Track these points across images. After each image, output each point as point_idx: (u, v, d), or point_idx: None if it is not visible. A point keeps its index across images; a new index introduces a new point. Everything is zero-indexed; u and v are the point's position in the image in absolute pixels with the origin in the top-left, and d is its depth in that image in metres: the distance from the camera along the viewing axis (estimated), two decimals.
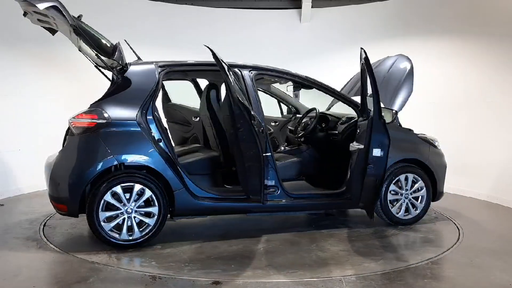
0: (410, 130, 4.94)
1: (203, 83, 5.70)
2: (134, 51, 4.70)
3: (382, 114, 4.20)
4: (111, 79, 4.62)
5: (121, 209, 3.86)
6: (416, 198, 4.83)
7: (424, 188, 4.81)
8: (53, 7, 3.41)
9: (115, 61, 3.93)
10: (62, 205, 3.89)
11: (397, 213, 4.74)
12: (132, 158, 3.89)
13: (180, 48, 7.68)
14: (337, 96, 4.86)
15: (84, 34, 3.70)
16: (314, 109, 5.28)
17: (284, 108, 6.25)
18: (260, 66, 4.55)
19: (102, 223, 3.81)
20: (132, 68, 4.12)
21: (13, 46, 6.33)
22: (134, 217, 3.90)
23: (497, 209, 5.78)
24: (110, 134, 3.86)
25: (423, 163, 4.82)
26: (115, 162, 3.82)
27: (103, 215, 3.81)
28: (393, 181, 4.68)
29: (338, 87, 5.24)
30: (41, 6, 3.37)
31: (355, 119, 4.74)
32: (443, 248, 4.09)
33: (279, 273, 3.45)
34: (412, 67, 4.69)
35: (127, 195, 3.87)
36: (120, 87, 4.05)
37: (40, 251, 3.88)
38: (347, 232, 4.58)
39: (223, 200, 4.21)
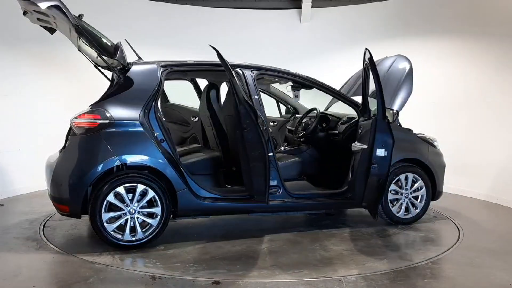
0: (409, 130, 4.95)
1: (202, 83, 5.71)
2: (134, 51, 4.70)
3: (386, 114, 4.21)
4: (111, 79, 4.62)
5: (124, 210, 3.85)
6: (416, 198, 4.85)
7: (424, 188, 4.84)
8: (55, 6, 3.41)
9: (116, 61, 3.91)
10: (64, 206, 3.87)
11: (397, 213, 4.76)
12: (135, 159, 3.87)
13: (180, 48, 7.68)
14: (338, 96, 4.86)
15: (86, 34, 3.69)
16: (314, 109, 5.28)
17: (282, 108, 6.26)
18: (261, 66, 4.55)
19: (105, 224, 3.79)
20: (134, 68, 4.11)
21: (13, 46, 6.32)
22: (137, 217, 3.89)
23: (497, 209, 5.78)
24: (112, 134, 3.84)
25: (423, 162, 4.84)
26: (118, 163, 3.80)
27: (106, 216, 3.79)
28: (394, 181, 4.70)
29: (337, 87, 5.24)
30: (43, 5, 3.37)
31: (356, 119, 4.75)
32: (444, 248, 4.09)
33: (285, 272, 3.45)
34: (411, 68, 4.70)
35: (130, 196, 3.86)
36: (122, 87, 4.03)
37: (40, 251, 3.88)
38: (348, 232, 4.59)
39: (226, 200, 4.21)
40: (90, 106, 4.09)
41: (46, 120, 6.47)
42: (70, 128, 4.47)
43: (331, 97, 5.28)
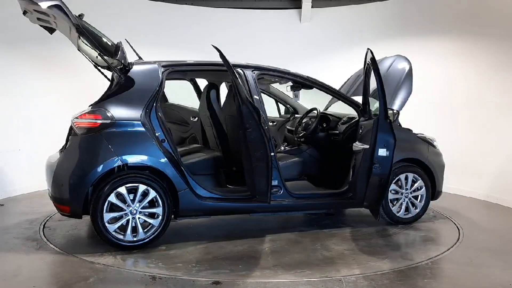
0: (409, 129, 4.96)
1: (201, 83, 5.71)
2: (135, 51, 4.69)
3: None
4: (110, 78, 4.62)
5: (125, 210, 3.84)
6: (416, 197, 4.87)
7: (424, 187, 4.85)
8: (56, 6, 3.40)
9: (117, 61, 3.90)
10: (65, 206, 3.86)
11: (398, 212, 4.77)
12: (137, 159, 3.86)
13: (180, 48, 7.68)
14: (338, 96, 4.86)
15: (87, 33, 3.68)
16: (315, 109, 5.29)
17: (281, 108, 6.26)
18: (262, 66, 4.54)
19: (107, 224, 3.78)
20: (135, 68, 4.09)
21: (13, 45, 6.32)
22: (139, 218, 3.88)
23: (497, 209, 5.78)
24: (114, 134, 3.83)
25: (422, 162, 4.85)
26: (120, 163, 3.79)
27: (107, 216, 3.78)
28: (394, 181, 4.70)
29: (337, 87, 5.24)
30: (44, 5, 3.37)
31: (356, 119, 4.75)
32: (444, 248, 4.09)
33: (288, 272, 3.45)
34: (411, 68, 4.71)
35: (131, 196, 3.85)
36: (123, 87, 4.01)
37: (40, 251, 3.88)
38: (349, 232, 4.60)
39: (227, 200, 4.21)
40: (90, 106, 4.09)
41: (46, 120, 6.48)
42: (71, 128, 4.47)
43: (330, 97, 5.28)
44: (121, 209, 3.83)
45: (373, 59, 4.17)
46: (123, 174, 3.83)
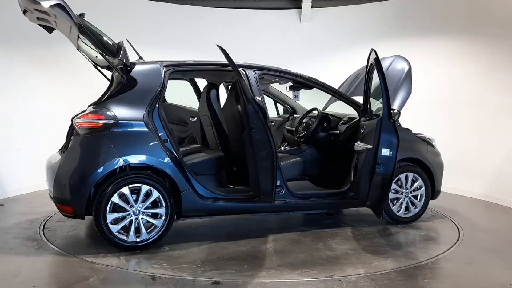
0: (408, 129, 4.96)
1: (200, 83, 5.71)
2: (135, 51, 4.68)
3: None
4: (110, 78, 4.61)
5: (128, 211, 3.82)
6: (416, 197, 4.89)
7: (423, 187, 4.88)
8: (58, 5, 3.39)
9: (120, 61, 3.88)
10: (67, 207, 3.83)
11: (398, 212, 4.80)
12: (140, 159, 3.84)
13: (180, 48, 7.69)
14: (339, 96, 4.86)
15: (89, 33, 3.66)
16: (315, 109, 5.29)
17: (280, 108, 6.26)
18: (263, 66, 4.54)
19: (110, 225, 3.76)
20: (137, 68, 4.07)
21: (13, 45, 6.33)
22: (142, 218, 3.86)
23: (497, 209, 5.78)
24: (117, 134, 3.81)
25: (422, 162, 4.87)
26: (123, 163, 3.77)
27: (110, 217, 3.76)
28: (394, 180, 4.70)
29: (336, 87, 5.24)
30: (46, 4, 3.35)
31: (357, 119, 4.76)
32: (444, 248, 4.09)
33: (293, 272, 3.45)
34: (410, 68, 4.72)
35: (134, 197, 3.84)
36: (126, 87, 3.99)
37: (40, 251, 3.88)
38: (350, 231, 4.60)
39: (230, 200, 4.21)
40: (89, 105, 4.08)
41: (46, 120, 6.48)
42: (71, 128, 4.46)
43: (329, 97, 5.29)
44: (124, 210, 3.81)
45: (377, 59, 4.17)
46: (126, 174, 3.81)
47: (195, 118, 5.57)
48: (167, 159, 3.91)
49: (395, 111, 4.54)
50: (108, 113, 3.83)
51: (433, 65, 7.05)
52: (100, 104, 3.91)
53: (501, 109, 6.16)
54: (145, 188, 3.84)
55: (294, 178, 4.77)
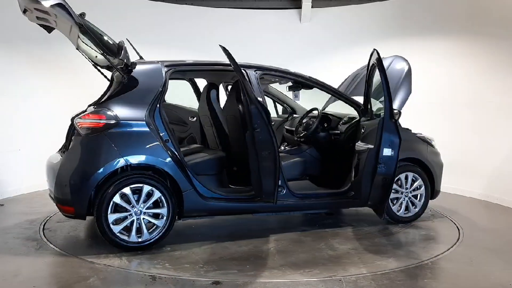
0: (408, 129, 4.96)
1: (199, 83, 5.71)
2: (136, 51, 4.67)
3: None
4: (110, 78, 4.61)
5: (130, 211, 3.81)
6: (416, 196, 4.90)
7: (423, 187, 4.89)
8: (59, 4, 3.38)
9: (121, 60, 3.87)
10: (69, 207, 3.81)
11: (398, 211, 4.81)
12: (142, 159, 3.83)
13: (180, 47, 7.69)
14: (340, 96, 4.86)
15: (90, 32, 3.65)
16: (315, 109, 5.29)
17: (279, 108, 6.26)
18: (264, 66, 4.53)
19: (111, 225, 3.75)
20: (138, 68, 4.06)
21: (12, 45, 6.33)
22: (143, 218, 3.85)
23: (497, 209, 5.78)
24: (118, 134, 3.80)
25: (422, 162, 4.88)
26: (125, 163, 3.76)
27: (112, 217, 3.75)
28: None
29: (335, 87, 5.24)
30: (47, 4, 3.35)
31: (357, 119, 4.76)
32: (444, 248, 4.09)
33: (296, 272, 3.45)
34: (409, 68, 4.72)
35: (135, 197, 3.83)
36: (127, 87, 3.98)
37: (40, 251, 3.88)
38: (351, 231, 4.61)
39: (231, 200, 4.20)
40: (89, 105, 4.07)
41: (46, 120, 6.48)
42: (70, 128, 4.45)
43: (328, 97, 5.28)
44: (126, 210, 3.81)
45: (379, 59, 4.17)
46: (127, 174, 3.81)
47: (195, 118, 5.57)
48: (168, 159, 3.90)
49: (396, 111, 4.55)
50: (110, 113, 3.82)
51: (433, 65, 7.05)
52: (101, 104, 3.90)
53: (501, 109, 6.16)
54: (146, 188, 3.83)
55: (295, 178, 4.77)
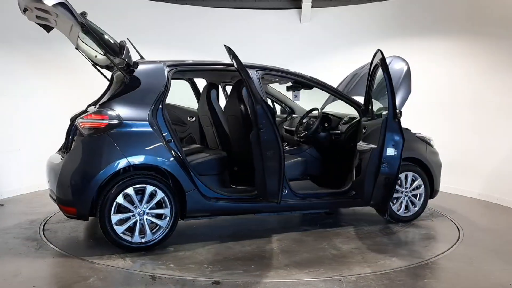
0: (407, 129, 4.97)
1: (198, 83, 5.71)
2: (137, 50, 4.67)
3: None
4: (110, 78, 4.61)
5: (133, 211, 3.80)
6: (415, 196, 4.91)
7: (423, 186, 4.91)
8: (61, 4, 3.37)
9: (123, 60, 3.86)
10: (71, 208, 3.79)
11: (398, 211, 4.82)
12: (145, 160, 3.81)
13: (180, 47, 7.69)
14: (341, 96, 4.86)
15: (92, 32, 3.63)
16: (315, 109, 5.29)
17: (278, 108, 6.26)
18: (266, 66, 4.53)
19: (115, 226, 3.73)
20: (140, 68, 4.05)
21: (12, 45, 6.33)
22: (146, 219, 3.84)
23: (497, 209, 5.78)
24: (121, 134, 3.78)
25: (421, 161, 4.90)
26: (128, 164, 3.75)
27: (115, 218, 3.74)
28: None
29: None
30: (49, 3, 3.34)
31: (358, 119, 4.76)
32: (444, 248, 4.09)
33: (301, 272, 3.46)
34: (409, 68, 4.74)
35: (138, 197, 3.82)
36: (129, 87, 3.96)
37: (40, 251, 3.88)
38: (352, 230, 4.62)
39: (234, 200, 4.20)
40: (89, 105, 4.07)
41: (46, 120, 6.48)
42: (70, 128, 4.45)
43: (327, 97, 5.28)
44: (129, 210, 3.79)
45: (383, 59, 4.17)
46: (130, 175, 3.79)
47: (194, 118, 5.57)
48: (172, 160, 3.89)
49: (397, 111, 4.55)
50: (112, 113, 3.80)
51: (433, 65, 7.05)
52: (103, 104, 3.89)
53: (501, 109, 6.16)
54: (149, 188, 3.82)
55: (295, 178, 4.77)
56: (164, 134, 3.91)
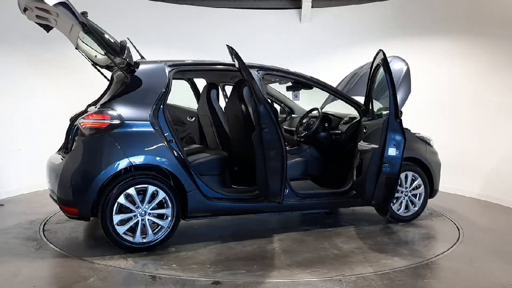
0: (407, 129, 4.96)
1: (198, 83, 5.71)
2: (137, 50, 4.67)
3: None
4: (110, 78, 4.61)
5: (134, 212, 3.79)
6: (415, 196, 4.92)
7: (422, 186, 4.93)
8: (62, 3, 3.37)
9: (124, 60, 3.85)
10: (73, 208, 3.78)
11: (398, 210, 4.83)
12: (147, 160, 3.81)
13: (180, 47, 7.69)
14: (341, 96, 4.86)
15: (94, 32, 3.62)
16: (315, 109, 5.29)
17: (277, 107, 6.25)
18: (266, 66, 4.53)
19: (116, 226, 3.73)
20: (142, 68, 4.04)
21: (12, 44, 6.33)
22: (148, 219, 3.84)
23: (497, 209, 5.78)
24: (123, 135, 3.77)
25: (421, 161, 4.90)
26: (129, 164, 3.74)
27: (116, 218, 3.73)
28: None
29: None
30: (50, 2, 3.34)
31: (358, 119, 4.76)
32: (444, 248, 4.09)
33: (304, 271, 3.46)
34: (408, 68, 4.74)
35: (140, 197, 3.81)
36: (130, 87, 3.95)
37: (40, 251, 3.88)
38: (353, 230, 4.62)
39: (235, 200, 4.20)
40: (88, 105, 4.07)
41: (46, 120, 6.48)
42: (69, 128, 4.45)
43: (327, 97, 5.28)
44: (130, 211, 3.79)
45: (385, 60, 4.17)
46: (132, 175, 3.78)
47: (193, 118, 5.56)
48: (173, 160, 3.88)
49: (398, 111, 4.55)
50: (114, 113, 3.79)
51: (433, 65, 7.05)
52: (104, 104, 3.88)
53: (501, 109, 6.16)
54: (151, 189, 3.82)
55: (296, 178, 4.77)
56: (165, 134, 3.90)
